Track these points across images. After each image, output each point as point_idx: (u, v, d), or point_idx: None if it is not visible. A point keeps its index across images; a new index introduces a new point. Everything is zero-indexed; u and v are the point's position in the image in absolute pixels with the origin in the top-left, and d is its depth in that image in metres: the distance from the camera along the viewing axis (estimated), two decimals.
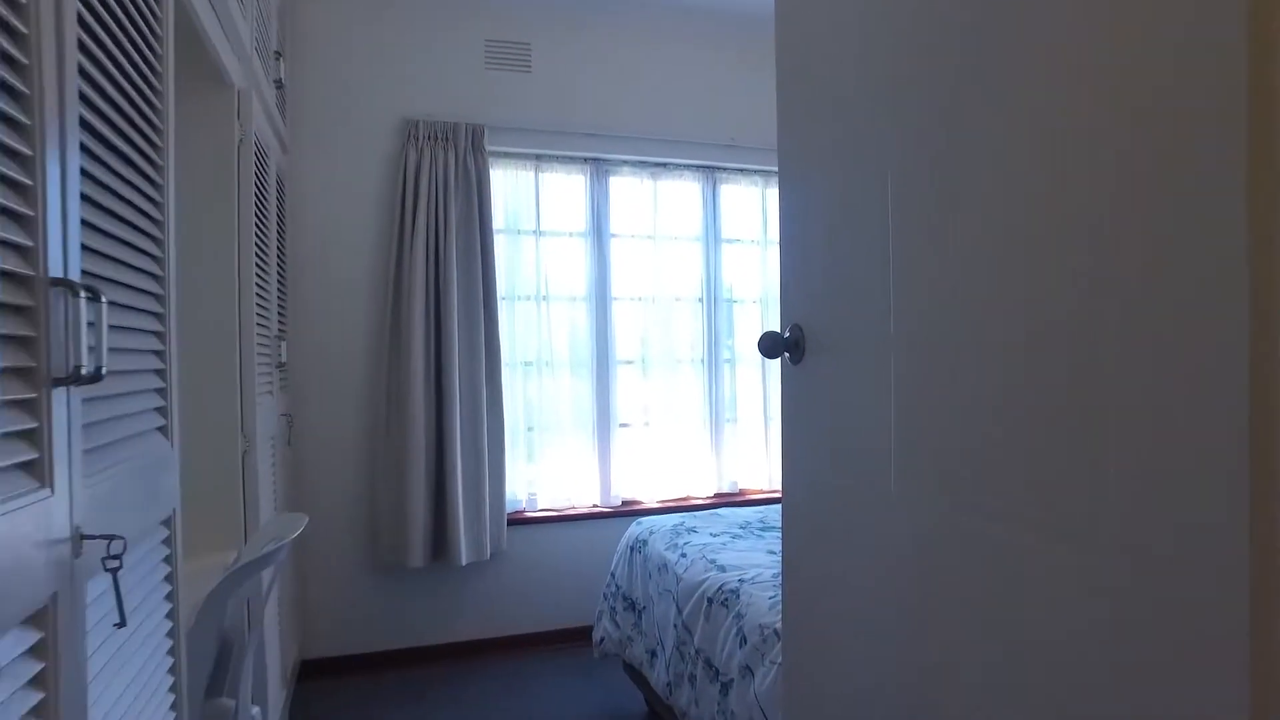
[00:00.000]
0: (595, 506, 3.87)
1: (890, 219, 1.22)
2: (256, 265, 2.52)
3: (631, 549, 2.92)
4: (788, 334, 1.49)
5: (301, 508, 3.36)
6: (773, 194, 4.22)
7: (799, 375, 1.49)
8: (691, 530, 2.81)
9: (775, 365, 4.15)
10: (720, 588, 2.23)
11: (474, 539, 3.48)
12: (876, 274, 1.25)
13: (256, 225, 2.50)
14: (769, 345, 1.48)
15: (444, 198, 3.48)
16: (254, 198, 2.42)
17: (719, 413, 4.11)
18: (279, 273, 3.02)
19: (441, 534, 3.44)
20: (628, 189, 4.00)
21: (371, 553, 3.46)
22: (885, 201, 1.22)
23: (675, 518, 3.02)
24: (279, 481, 2.78)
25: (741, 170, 4.15)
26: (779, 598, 2.03)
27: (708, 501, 4.00)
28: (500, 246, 3.73)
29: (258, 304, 2.49)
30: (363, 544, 3.46)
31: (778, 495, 4.11)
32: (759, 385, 4.20)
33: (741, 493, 4.14)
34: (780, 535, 1.58)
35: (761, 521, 2.92)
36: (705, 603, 2.25)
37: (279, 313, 2.92)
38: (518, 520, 3.67)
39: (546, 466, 3.81)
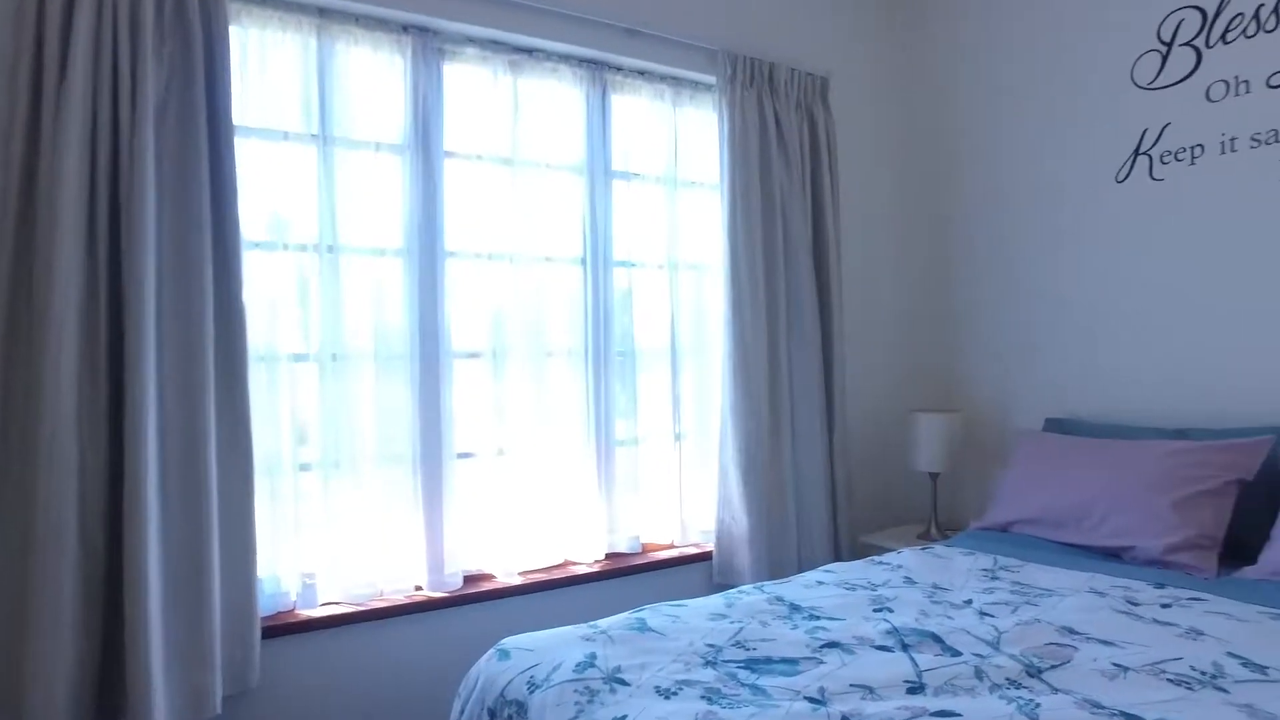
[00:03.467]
0: (419, 591, 2.37)
1: None
2: None
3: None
4: None
5: None
6: (687, 115, 2.91)
7: None
8: (616, 679, 1.42)
9: (697, 359, 2.84)
10: None
11: (187, 676, 1.89)
12: None
13: None
14: None
15: (132, 60, 1.88)
16: None
17: (608, 432, 2.74)
18: None
19: (114, 671, 1.83)
20: (472, 83, 2.55)
21: None
22: None
23: (574, 642, 1.62)
24: None
25: (644, 74, 2.81)
26: None
27: (598, 569, 2.61)
28: (250, 158, 2.17)
29: None
30: None
31: (696, 553, 2.80)
32: (668, 388, 2.88)
33: (644, 551, 2.79)
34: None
35: (737, 642, 1.57)
36: None
37: None
38: (282, 627, 2.11)
39: (334, 531, 2.28)
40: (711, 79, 2.84)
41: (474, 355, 2.56)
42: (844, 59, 3.23)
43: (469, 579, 2.46)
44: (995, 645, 1.52)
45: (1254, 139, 2.40)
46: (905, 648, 1.51)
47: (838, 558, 2.99)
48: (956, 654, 1.47)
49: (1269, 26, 2.37)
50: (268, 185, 2.22)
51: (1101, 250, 2.76)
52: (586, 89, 2.72)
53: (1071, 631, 1.59)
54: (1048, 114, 2.90)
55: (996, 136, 3.07)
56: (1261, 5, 2.38)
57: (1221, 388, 2.46)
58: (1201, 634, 1.59)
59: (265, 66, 2.21)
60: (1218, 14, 2.47)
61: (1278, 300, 2.35)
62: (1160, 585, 1.90)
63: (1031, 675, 1.38)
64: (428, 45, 2.42)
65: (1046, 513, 2.35)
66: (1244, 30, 2.42)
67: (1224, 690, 1.34)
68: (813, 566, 2.86)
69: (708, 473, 2.88)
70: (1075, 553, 2.22)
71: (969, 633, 1.58)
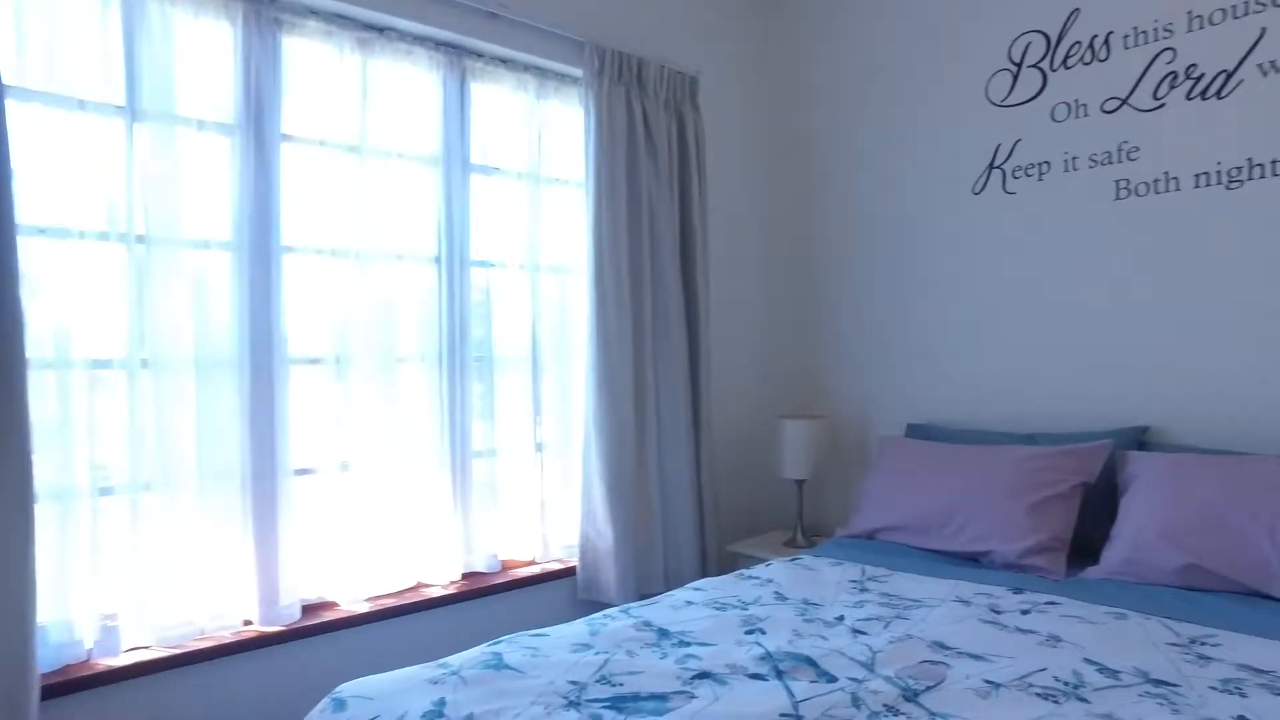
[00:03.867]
0: (249, 626, 2.11)
1: None
2: None
3: None
4: None
5: None
6: (551, 108, 2.77)
7: None
8: None
9: (559, 366, 2.71)
10: None
11: None
12: None
13: None
14: None
15: None
16: None
17: (464, 443, 2.56)
18: None
19: None
20: (315, 61, 2.30)
21: None
22: None
23: (420, 686, 1.44)
24: None
25: (506, 62, 2.64)
26: None
27: (454, 591, 2.41)
28: (34, 128, 1.85)
29: None
30: None
31: (559, 569, 2.67)
32: (528, 396, 2.72)
33: (504, 569, 2.62)
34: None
35: (603, 676, 1.44)
36: None
37: None
38: (72, 682, 1.80)
39: (144, 563, 1.98)
40: (578, 72, 2.72)
41: (314, 361, 2.31)
42: (712, 59, 3.18)
43: (308, 609, 2.21)
44: (870, 667, 1.48)
45: (1092, 159, 2.52)
46: (780, 675, 1.44)
47: (705, 569, 2.93)
48: (832, 679, 1.41)
49: (1102, 56, 2.50)
50: (59, 161, 1.90)
51: (958, 259, 2.84)
52: (444, 74, 2.52)
53: (943, 646, 1.57)
54: (909, 123, 2.96)
55: (859, 144, 3.12)
56: (1095, 36, 2.51)
57: (1065, 393, 2.58)
58: (1060, 640, 1.62)
59: (51, 21, 1.89)
60: (1059, 40, 2.58)
61: (1114, 312, 2.48)
62: (1018, 590, 1.94)
63: (908, 699, 1.34)
64: (262, 14, 2.16)
65: (910, 519, 2.37)
66: (1082, 58, 2.54)
67: (1086, 700, 1.35)
68: (680, 579, 2.78)
69: (571, 484, 2.76)
70: (938, 559, 2.24)
71: (843, 654, 1.53)
